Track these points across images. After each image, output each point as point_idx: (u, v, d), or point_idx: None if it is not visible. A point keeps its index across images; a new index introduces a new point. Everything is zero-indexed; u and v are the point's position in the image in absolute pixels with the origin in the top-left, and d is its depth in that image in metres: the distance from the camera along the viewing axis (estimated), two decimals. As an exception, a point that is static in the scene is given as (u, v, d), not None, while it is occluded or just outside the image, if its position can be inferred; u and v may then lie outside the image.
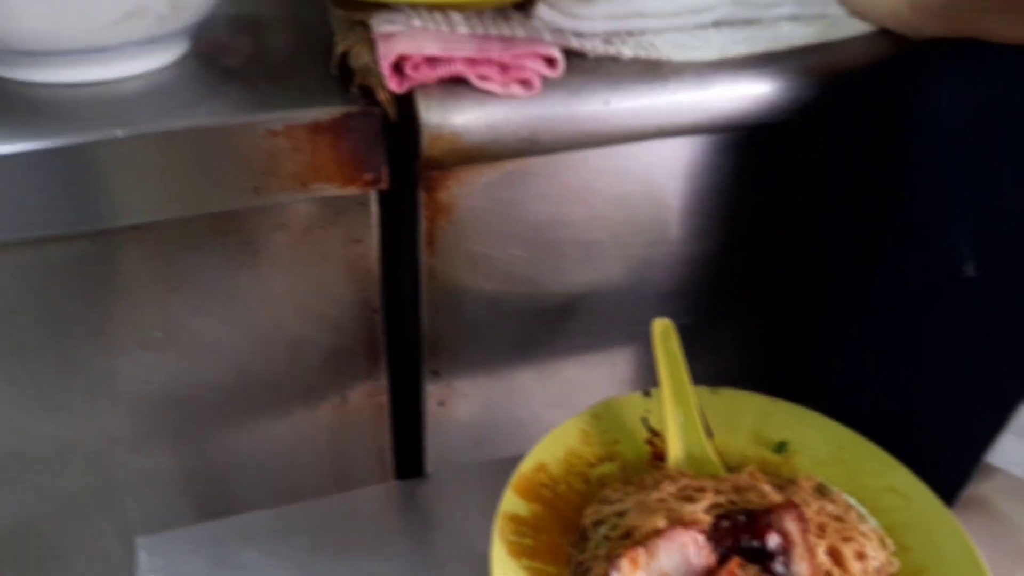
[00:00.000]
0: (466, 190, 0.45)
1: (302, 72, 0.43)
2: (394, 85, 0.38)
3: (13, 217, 0.38)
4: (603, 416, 0.47)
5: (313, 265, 0.46)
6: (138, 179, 0.38)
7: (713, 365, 0.51)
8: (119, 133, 0.36)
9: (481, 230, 0.47)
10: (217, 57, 0.43)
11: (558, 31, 0.41)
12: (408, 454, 0.58)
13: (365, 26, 0.40)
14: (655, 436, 0.47)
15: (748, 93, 0.44)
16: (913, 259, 0.46)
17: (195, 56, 0.43)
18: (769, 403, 0.48)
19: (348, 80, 0.42)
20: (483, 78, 0.39)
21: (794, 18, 0.47)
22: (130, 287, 0.43)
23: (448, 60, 0.38)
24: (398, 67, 0.38)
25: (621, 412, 0.48)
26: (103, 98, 0.39)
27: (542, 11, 0.41)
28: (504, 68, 0.39)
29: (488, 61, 0.39)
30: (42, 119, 0.38)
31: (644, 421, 0.48)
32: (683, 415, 0.45)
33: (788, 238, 0.55)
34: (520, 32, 0.40)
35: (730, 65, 0.44)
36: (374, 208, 0.45)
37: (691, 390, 0.46)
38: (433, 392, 0.54)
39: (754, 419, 0.47)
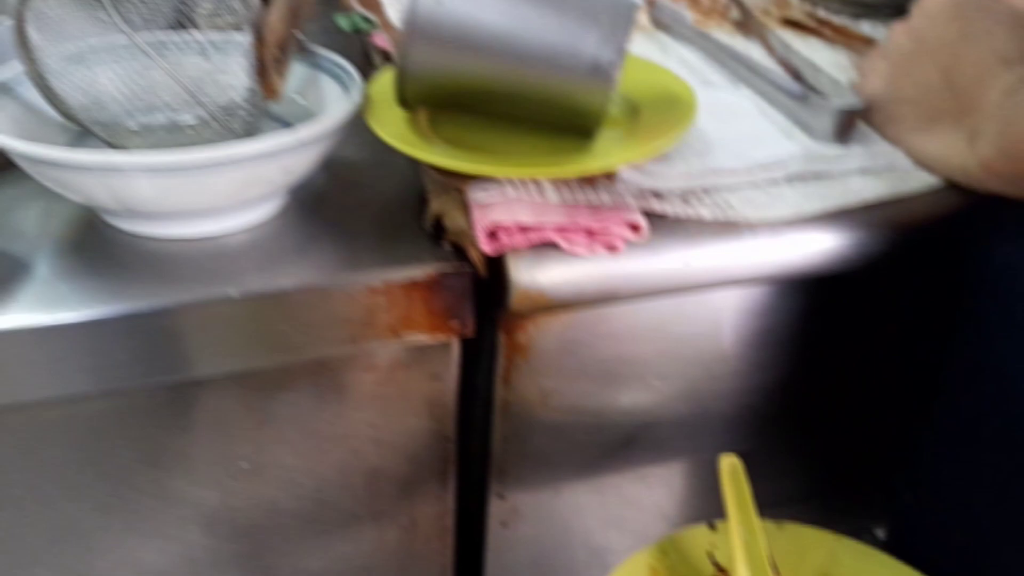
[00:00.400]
0: (542, 332, 0.46)
1: (396, 224, 0.45)
2: (488, 249, 0.40)
3: (126, 368, 0.40)
4: (670, 551, 0.48)
5: (394, 401, 0.47)
6: (245, 333, 0.40)
7: (774, 489, 0.52)
8: (233, 293, 0.38)
9: (553, 367, 0.48)
10: (315, 207, 0.46)
11: (640, 194, 0.43)
12: (468, 572, 0.59)
13: (459, 191, 0.42)
14: (721, 573, 0.48)
15: (820, 248, 0.45)
16: (982, 407, 0.46)
17: (296, 205, 0.46)
18: (835, 541, 0.48)
19: (439, 234, 0.44)
20: (571, 243, 0.40)
21: (864, 171, 0.48)
22: (223, 423, 0.45)
23: (540, 228, 0.40)
24: (492, 233, 0.40)
25: (687, 547, 0.48)
26: (211, 252, 0.42)
27: (624, 173, 0.43)
28: (591, 233, 0.41)
29: (576, 228, 0.41)
30: (153, 275, 0.40)
31: (710, 557, 0.48)
32: (751, 557, 0.46)
33: (853, 373, 0.55)
34: (606, 198, 0.42)
35: (803, 221, 0.45)
36: (455, 349, 0.47)
37: (759, 529, 0.46)
38: (496, 513, 0.55)
39: (821, 558, 0.48)
